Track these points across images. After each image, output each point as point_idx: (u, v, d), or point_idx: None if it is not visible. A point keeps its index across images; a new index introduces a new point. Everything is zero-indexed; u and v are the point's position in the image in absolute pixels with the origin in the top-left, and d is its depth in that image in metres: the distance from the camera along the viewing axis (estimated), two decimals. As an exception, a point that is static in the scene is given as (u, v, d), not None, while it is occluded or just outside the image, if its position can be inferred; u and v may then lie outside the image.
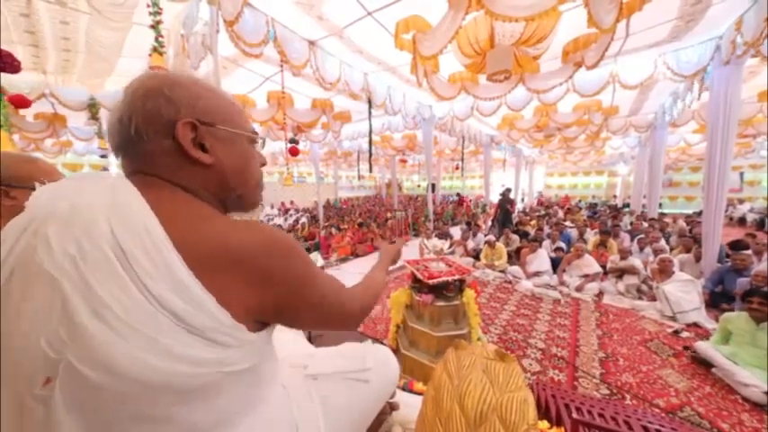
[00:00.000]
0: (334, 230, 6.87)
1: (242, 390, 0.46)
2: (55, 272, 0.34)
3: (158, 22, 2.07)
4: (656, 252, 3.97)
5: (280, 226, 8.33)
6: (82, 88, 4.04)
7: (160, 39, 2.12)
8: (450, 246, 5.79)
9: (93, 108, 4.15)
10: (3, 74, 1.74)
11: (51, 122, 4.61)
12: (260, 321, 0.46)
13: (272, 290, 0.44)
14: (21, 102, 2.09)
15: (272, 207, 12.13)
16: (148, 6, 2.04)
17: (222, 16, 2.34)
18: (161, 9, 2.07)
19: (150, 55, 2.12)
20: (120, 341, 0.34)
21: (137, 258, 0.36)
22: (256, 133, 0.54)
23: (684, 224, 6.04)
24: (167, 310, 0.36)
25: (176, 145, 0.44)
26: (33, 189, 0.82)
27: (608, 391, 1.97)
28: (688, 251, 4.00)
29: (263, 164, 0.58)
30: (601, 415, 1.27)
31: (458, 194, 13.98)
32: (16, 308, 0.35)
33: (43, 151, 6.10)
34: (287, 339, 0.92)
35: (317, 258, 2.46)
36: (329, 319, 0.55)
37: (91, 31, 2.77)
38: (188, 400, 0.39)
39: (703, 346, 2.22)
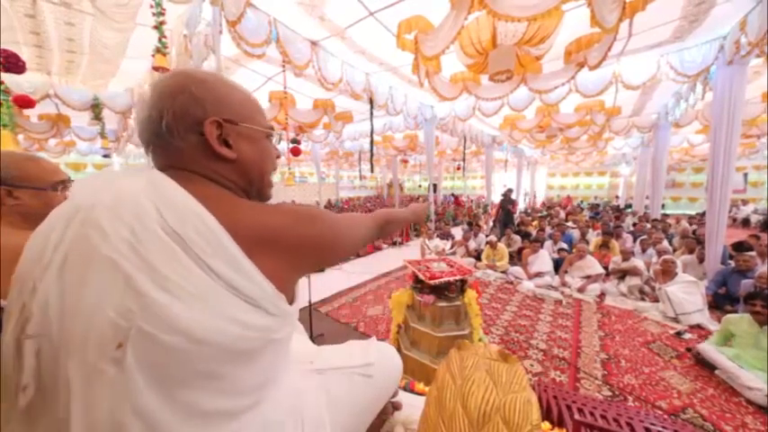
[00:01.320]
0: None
1: (276, 357, 0.52)
2: (113, 255, 0.38)
3: (161, 23, 2.09)
4: (660, 253, 3.95)
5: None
6: (86, 89, 4.06)
7: (163, 39, 2.13)
8: (452, 246, 5.79)
9: (96, 108, 4.17)
10: (8, 74, 1.75)
11: (55, 123, 4.64)
12: (292, 291, 0.51)
13: (308, 255, 0.50)
14: (25, 102, 2.11)
15: (274, 207, 12.12)
16: (151, 7, 2.05)
17: (225, 17, 2.35)
18: (164, 10, 2.08)
19: (153, 56, 2.13)
20: (188, 309, 0.39)
21: (192, 239, 0.40)
22: (273, 128, 0.59)
23: (688, 225, 6.00)
24: (225, 282, 0.41)
25: (203, 141, 0.48)
26: (36, 189, 0.84)
27: (610, 393, 1.96)
28: (691, 252, 3.98)
29: (279, 156, 0.63)
30: (603, 416, 1.26)
31: (452, 194, 13.94)
32: (77, 289, 0.39)
33: (47, 151, 6.15)
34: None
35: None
36: (349, 250, 0.60)
37: (95, 32, 2.79)
38: (238, 361, 0.44)
39: (706, 348, 2.21)
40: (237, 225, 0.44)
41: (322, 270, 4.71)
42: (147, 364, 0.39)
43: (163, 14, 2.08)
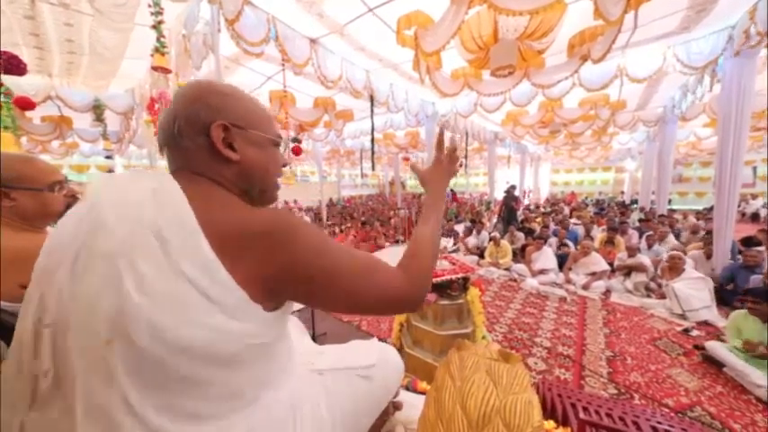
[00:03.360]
0: (337, 230, 6.88)
1: (269, 361, 0.53)
2: (113, 251, 0.41)
3: (160, 23, 2.08)
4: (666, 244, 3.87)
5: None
6: (87, 90, 4.09)
7: (162, 39, 2.13)
8: (455, 244, 5.76)
9: (97, 109, 4.20)
10: (9, 76, 1.75)
11: (58, 124, 4.68)
12: (275, 301, 0.50)
13: (284, 263, 0.46)
14: (25, 104, 2.12)
15: (276, 206, 12.17)
16: (150, 6, 2.04)
17: (223, 15, 2.34)
18: (162, 9, 2.07)
19: (152, 55, 2.13)
20: (160, 311, 0.40)
21: (173, 243, 0.42)
22: (281, 137, 0.61)
23: (696, 220, 5.91)
24: (197, 287, 0.41)
25: (209, 143, 0.51)
26: (33, 189, 0.83)
27: (616, 391, 1.93)
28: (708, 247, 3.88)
29: (285, 164, 0.64)
30: (608, 415, 1.24)
31: (451, 191, 13.86)
32: (83, 284, 0.42)
33: (50, 153, 6.20)
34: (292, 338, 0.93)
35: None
36: (360, 293, 0.50)
37: (94, 32, 2.79)
38: (222, 366, 0.45)
39: (714, 346, 2.17)
40: (221, 225, 0.45)
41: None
42: (131, 365, 0.40)
43: (161, 14, 2.08)
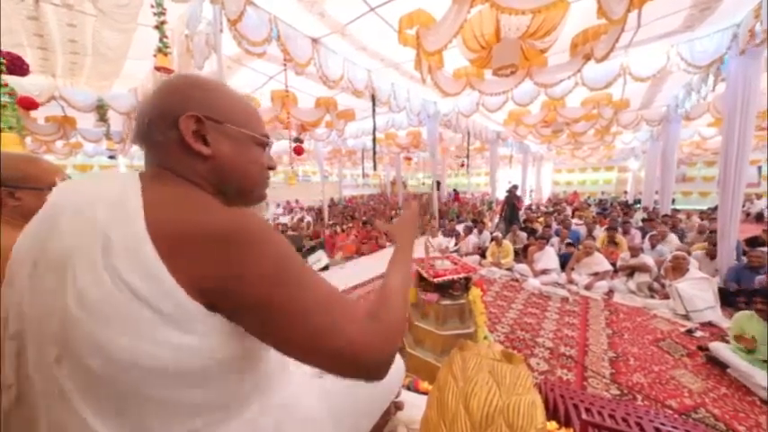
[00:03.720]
0: (338, 229, 6.89)
1: (248, 373, 0.48)
2: (62, 260, 0.38)
3: (162, 23, 2.08)
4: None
5: (285, 224, 8.38)
6: (90, 90, 4.11)
7: (164, 39, 2.13)
8: (456, 244, 5.75)
9: (101, 110, 4.22)
10: (13, 76, 1.77)
11: (62, 125, 4.71)
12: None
13: (226, 278, 0.39)
14: (29, 104, 2.14)
15: (278, 206, 12.23)
16: (152, 7, 2.05)
17: (225, 15, 2.35)
18: (165, 9, 2.08)
19: (155, 55, 2.14)
20: (102, 326, 0.36)
21: (117, 250, 0.37)
22: (266, 137, 0.55)
23: (699, 220, 5.86)
24: (141, 298, 0.36)
25: (180, 136, 0.46)
26: (37, 189, 0.84)
27: (618, 392, 1.92)
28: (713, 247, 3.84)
29: (272, 167, 0.58)
30: (611, 416, 1.24)
31: (454, 191, 13.85)
32: (38, 293, 0.40)
33: (54, 153, 6.24)
34: None
35: (320, 257, 2.45)
36: (319, 341, 0.41)
37: (97, 33, 2.81)
38: (185, 384, 0.40)
39: (718, 347, 2.15)
40: (171, 227, 0.39)
41: (326, 268, 4.72)
42: (84, 385, 0.37)
43: (164, 14, 2.08)
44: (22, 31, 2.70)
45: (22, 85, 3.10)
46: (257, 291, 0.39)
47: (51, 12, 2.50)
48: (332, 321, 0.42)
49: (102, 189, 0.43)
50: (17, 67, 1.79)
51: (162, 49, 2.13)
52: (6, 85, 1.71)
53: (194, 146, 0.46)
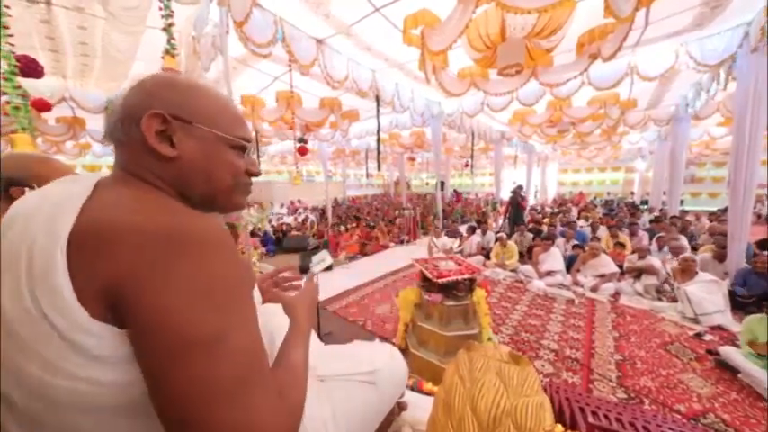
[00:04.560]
0: (342, 229, 6.91)
1: None
2: (2, 272, 0.34)
3: (170, 25, 2.11)
4: (674, 251, 3.80)
5: (289, 224, 8.43)
6: (99, 91, 4.18)
7: (172, 41, 2.16)
8: (460, 244, 5.73)
9: (109, 111, 4.29)
10: (27, 79, 1.81)
11: (71, 125, 4.80)
12: None
13: (132, 280, 0.32)
14: (42, 105, 2.18)
15: (282, 206, 12.30)
16: (160, 9, 2.08)
17: (232, 17, 2.37)
18: (173, 12, 2.11)
19: (163, 57, 2.17)
20: (19, 356, 0.32)
21: (34, 266, 0.32)
22: (246, 140, 0.50)
23: (709, 222, 5.76)
24: (50, 324, 0.31)
25: (143, 136, 0.42)
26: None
27: (625, 395, 1.90)
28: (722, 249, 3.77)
29: (252, 174, 0.53)
30: (618, 420, 1.22)
31: (455, 191, 13.81)
32: None
33: (64, 153, 6.36)
34: None
35: (324, 257, 2.43)
36: (206, 405, 0.32)
37: (107, 35, 2.86)
38: (126, 420, 0.35)
39: (729, 351, 2.11)
40: (96, 230, 0.34)
41: (330, 268, 4.73)
42: (18, 422, 0.33)
43: (171, 17, 2.11)
44: (35, 35, 2.76)
45: (36, 86, 3.17)
46: (156, 303, 0.32)
47: (63, 15, 2.55)
48: (241, 380, 0.33)
49: (53, 192, 0.39)
50: (32, 69, 1.82)
51: (170, 51, 2.16)
52: (20, 86, 1.74)
53: (157, 147, 0.42)
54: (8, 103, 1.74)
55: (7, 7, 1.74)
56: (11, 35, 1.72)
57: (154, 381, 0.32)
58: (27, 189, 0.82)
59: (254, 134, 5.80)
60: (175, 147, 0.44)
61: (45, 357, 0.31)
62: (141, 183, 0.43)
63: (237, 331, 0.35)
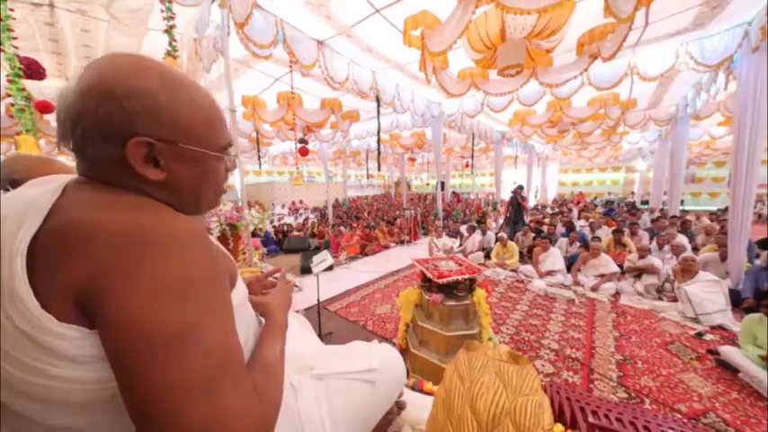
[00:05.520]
0: (343, 229, 6.92)
1: None
2: None
3: (172, 27, 2.13)
4: (675, 249, 3.80)
5: (290, 225, 8.44)
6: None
7: (174, 43, 2.18)
8: (461, 244, 5.74)
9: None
10: (30, 81, 1.83)
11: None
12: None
13: (102, 278, 0.32)
14: (45, 107, 2.20)
15: (283, 206, 12.32)
16: (162, 12, 2.09)
17: (233, 18, 2.38)
18: (174, 14, 2.12)
19: (164, 59, 2.18)
20: (5, 361, 0.33)
21: (2, 268, 0.32)
22: (230, 145, 0.49)
23: (709, 221, 5.75)
24: (18, 329, 0.32)
25: (124, 157, 0.39)
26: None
27: (626, 395, 1.90)
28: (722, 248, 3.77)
29: (229, 169, 0.52)
30: (618, 419, 1.23)
31: (453, 193, 13.86)
32: None
33: (65, 154, 6.38)
34: (293, 332, 0.82)
35: (325, 257, 2.45)
36: (174, 401, 0.31)
37: (109, 38, 2.87)
38: (102, 414, 0.36)
39: (729, 350, 2.12)
40: (63, 232, 0.33)
41: (331, 268, 4.74)
42: (5, 418, 0.35)
43: (173, 19, 2.13)
44: (39, 37, 2.78)
45: (38, 88, 3.19)
46: (123, 303, 0.32)
47: (66, 18, 2.57)
48: (212, 378, 0.33)
49: (22, 198, 0.38)
50: (34, 71, 1.84)
51: (171, 53, 2.18)
52: (25, 89, 1.76)
53: (145, 173, 0.40)
54: (12, 105, 1.76)
55: (11, 10, 1.76)
56: (15, 38, 1.74)
57: (124, 379, 0.32)
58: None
59: (254, 135, 5.82)
60: (161, 168, 0.41)
61: (24, 362, 0.32)
62: (119, 189, 0.40)
63: (208, 328, 0.35)
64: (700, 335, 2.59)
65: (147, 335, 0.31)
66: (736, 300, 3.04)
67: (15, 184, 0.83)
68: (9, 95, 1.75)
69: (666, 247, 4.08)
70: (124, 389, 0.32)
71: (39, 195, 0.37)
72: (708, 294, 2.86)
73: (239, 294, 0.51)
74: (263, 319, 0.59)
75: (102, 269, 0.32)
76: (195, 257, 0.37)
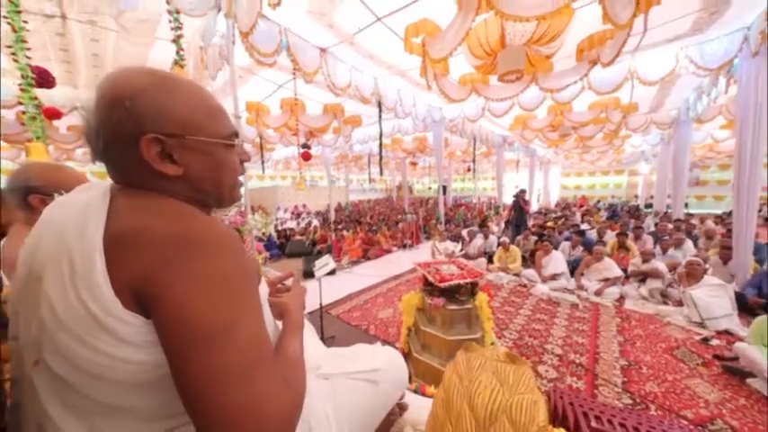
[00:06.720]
0: (345, 233, 6.93)
1: None
2: (39, 272, 0.41)
3: (179, 37, 2.19)
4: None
5: (292, 229, 8.48)
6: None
7: (181, 52, 2.24)
8: (462, 248, 5.72)
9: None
10: (40, 89, 1.89)
11: (82, 134, 4.91)
12: None
13: (155, 281, 0.37)
14: (53, 114, 2.27)
15: (285, 211, 12.39)
16: (170, 22, 2.15)
17: (238, 28, 2.44)
18: (181, 24, 2.18)
19: (172, 68, 2.24)
20: (66, 338, 0.38)
21: (77, 265, 0.38)
22: (234, 135, 0.52)
23: (713, 225, 5.70)
24: (89, 312, 0.37)
25: (142, 157, 0.43)
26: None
27: (630, 401, 1.88)
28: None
29: (244, 160, 0.55)
30: (622, 425, 1.21)
31: (453, 198, 13.90)
32: (24, 302, 0.44)
33: (74, 160, 6.51)
34: None
35: (327, 261, 2.47)
36: (216, 386, 0.35)
37: (118, 48, 2.96)
38: (153, 392, 0.40)
39: (744, 347, 2.06)
40: (125, 235, 0.39)
41: (333, 272, 4.75)
42: (52, 389, 0.40)
43: (180, 28, 2.19)
44: (50, 47, 2.87)
45: (48, 96, 3.28)
46: (174, 298, 0.36)
47: (77, 28, 2.65)
48: (248, 365, 0.37)
49: (77, 201, 0.43)
50: (45, 80, 1.90)
51: (178, 62, 2.23)
52: (36, 98, 1.81)
53: (163, 169, 0.44)
54: (24, 113, 1.81)
55: (25, 22, 1.82)
56: (28, 48, 1.80)
57: (175, 364, 0.37)
58: (45, 197, 0.86)
59: (258, 140, 5.90)
60: (177, 163, 0.45)
61: (85, 340, 0.38)
62: (152, 192, 0.45)
63: (245, 321, 0.39)
64: (706, 340, 2.55)
65: (194, 327, 0.36)
66: (742, 303, 3.00)
67: (33, 190, 0.87)
68: (21, 103, 1.81)
69: (671, 251, 4.05)
70: (175, 371, 0.37)
71: (90, 200, 0.43)
72: (714, 299, 2.83)
73: (263, 292, 0.55)
74: (278, 323, 0.63)
75: (156, 269, 0.37)
76: (233, 258, 0.41)
